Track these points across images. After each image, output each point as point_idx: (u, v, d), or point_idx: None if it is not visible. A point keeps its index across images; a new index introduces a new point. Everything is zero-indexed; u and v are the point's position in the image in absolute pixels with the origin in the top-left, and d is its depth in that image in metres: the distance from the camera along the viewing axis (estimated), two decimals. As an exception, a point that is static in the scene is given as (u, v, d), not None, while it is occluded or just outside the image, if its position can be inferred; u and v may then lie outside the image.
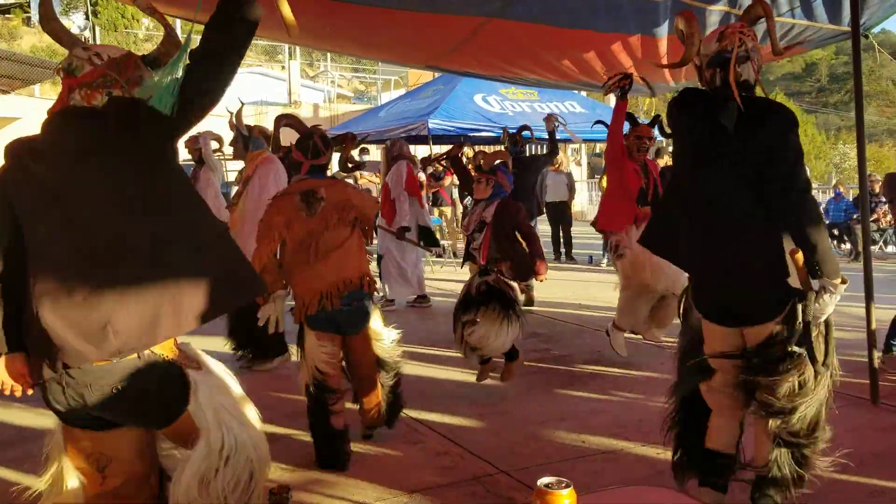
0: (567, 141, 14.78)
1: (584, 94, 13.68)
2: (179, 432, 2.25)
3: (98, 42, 21.59)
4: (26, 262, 2.10)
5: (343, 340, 3.86)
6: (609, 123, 5.95)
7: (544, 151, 8.50)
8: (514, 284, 4.82)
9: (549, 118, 7.97)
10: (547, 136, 8.15)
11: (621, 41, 6.15)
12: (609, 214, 5.91)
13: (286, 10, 2.36)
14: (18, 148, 2.15)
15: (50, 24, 2.23)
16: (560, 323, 7.37)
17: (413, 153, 17.95)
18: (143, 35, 29.57)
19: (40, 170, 2.10)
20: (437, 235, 13.93)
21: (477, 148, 9.73)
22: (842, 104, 51.53)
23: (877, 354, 4.79)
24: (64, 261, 2.05)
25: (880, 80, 52.94)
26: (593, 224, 6.13)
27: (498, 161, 5.01)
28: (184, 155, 6.54)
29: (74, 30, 22.82)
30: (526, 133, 8.14)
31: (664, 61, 6.58)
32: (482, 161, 5.10)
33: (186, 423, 2.23)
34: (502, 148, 8.63)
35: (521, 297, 5.08)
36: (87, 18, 22.18)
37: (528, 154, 8.87)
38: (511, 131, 8.36)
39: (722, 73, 2.77)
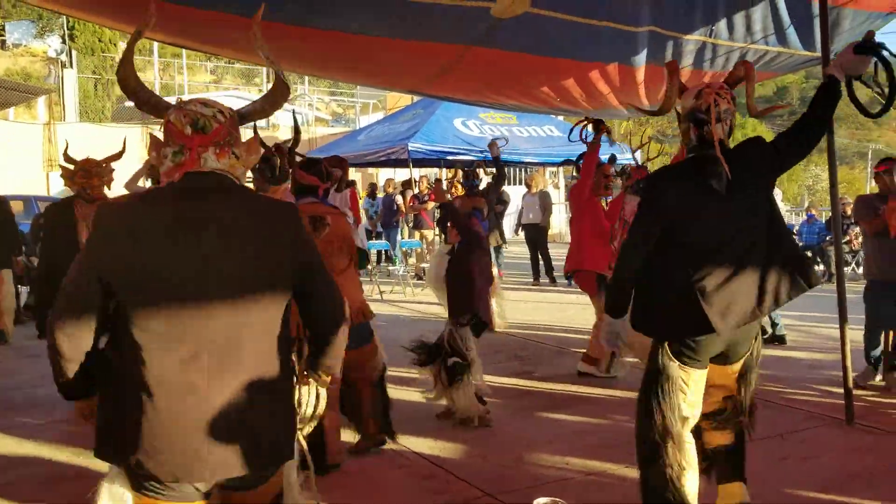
0: (532, 164, 14.93)
1: (561, 118, 13.86)
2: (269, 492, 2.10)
3: (75, 66, 21.49)
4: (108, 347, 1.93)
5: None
6: (578, 162, 6.14)
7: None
8: (470, 339, 4.89)
9: (493, 144, 8.04)
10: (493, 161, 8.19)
11: (599, 69, 6.29)
12: (594, 255, 5.90)
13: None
14: (124, 216, 1.93)
15: (137, 95, 2.05)
16: (541, 345, 7.42)
17: (393, 176, 18.11)
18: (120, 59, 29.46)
19: (165, 248, 1.88)
20: (414, 259, 14.04)
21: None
22: (813, 127, 52.33)
23: (878, 377, 4.90)
24: (176, 364, 1.86)
25: (850, 104, 53.84)
26: (570, 271, 6.11)
27: (473, 208, 5.14)
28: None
29: (51, 53, 22.73)
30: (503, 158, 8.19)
31: (641, 88, 6.75)
32: (458, 206, 5.23)
33: (278, 481, 2.11)
34: (458, 179, 8.77)
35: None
36: (64, 42, 22.09)
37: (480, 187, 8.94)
38: (478, 155, 8.42)
39: (696, 130, 2.95)
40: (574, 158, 6.66)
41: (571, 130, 6.46)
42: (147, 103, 2.07)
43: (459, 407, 4.79)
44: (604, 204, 6.49)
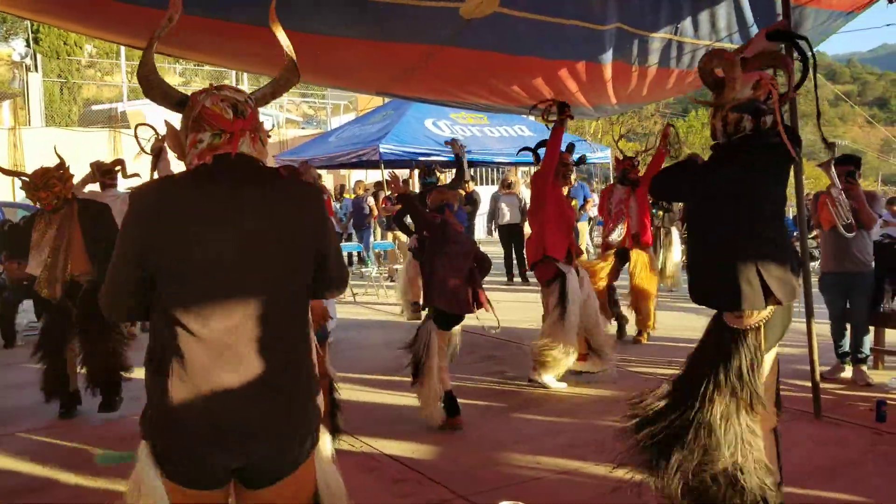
0: (503, 164, 14.99)
1: (532, 118, 13.89)
2: (302, 481, 2.07)
3: (40, 70, 21.14)
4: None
5: None
6: (537, 151, 6.09)
7: (499, 174, 8.62)
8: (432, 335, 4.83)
9: (454, 142, 8.01)
10: (454, 160, 8.13)
11: (567, 67, 6.30)
12: (555, 242, 5.77)
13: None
14: (160, 199, 1.94)
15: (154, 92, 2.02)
16: (514, 345, 7.42)
17: (363, 177, 18.05)
18: (86, 62, 29.08)
19: (204, 228, 1.90)
20: (386, 260, 14.01)
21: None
22: (781, 124, 53.19)
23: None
24: (212, 342, 1.88)
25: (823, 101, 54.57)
26: (536, 259, 5.93)
27: (443, 201, 5.06)
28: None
29: (15, 57, 22.35)
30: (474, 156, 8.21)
31: (609, 85, 6.76)
32: (429, 200, 5.16)
33: (310, 470, 2.10)
34: (413, 177, 8.81)
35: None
36: (28, 45, 21.72)
37: (440, 184, 8.92)
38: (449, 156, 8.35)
39: (752, 119, 2.97)
40: (533, 147, 6.62)
41: (534, 107, 6.32)
42: (158, 89, 2.04)
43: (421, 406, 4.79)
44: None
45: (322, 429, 2.14)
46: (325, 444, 2.18)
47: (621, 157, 7.91)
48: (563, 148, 6.09)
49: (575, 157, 6.41)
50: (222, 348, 1.88)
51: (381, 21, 4.91)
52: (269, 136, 2.14)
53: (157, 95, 2.03)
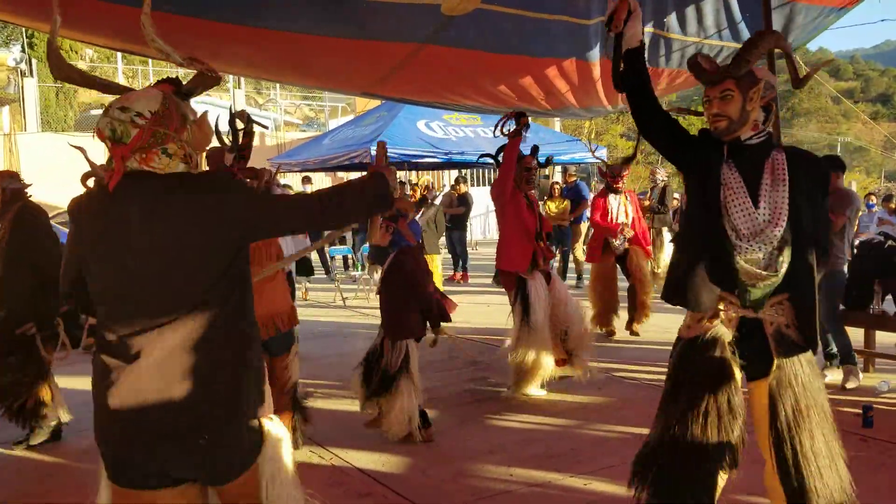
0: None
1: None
2: (243, 492, 2.03)
3: (35, 75, 21.08)
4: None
5: (269, 361, 3.96)
6: (497, 157, 5.97)
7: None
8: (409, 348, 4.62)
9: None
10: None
11: (556, 66, 6.17)
12: (512, 255, 5.65)
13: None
14: (81, 208, 2.05)
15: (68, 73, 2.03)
16: (500, 350, 7.26)
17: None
18: (87, 66, 29.04)
19: (102, 235, 1.96)
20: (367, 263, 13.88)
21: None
22: (784, 121, 53.18)
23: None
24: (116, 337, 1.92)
25: (819, 98, 54.68)
26: (499, 273, 5.82)
27: (397, 210, 4.69)
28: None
29: (10, 63, 22.30)
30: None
31: (598, 85, 6.62)
32: None
33: (252, 480, 2.02)
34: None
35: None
36: (24, 51, 21.67)
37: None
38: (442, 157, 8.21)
39: (775, 106, 2.66)
40: (513, 154, 6.47)
41: (496, 127, 6.17)
42: (94, 83, 2.09)
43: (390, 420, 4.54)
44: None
45: (275, 444, 2.06)
46: (283, 462, 2.07)
47: (604, 168, 8.30)
48: (527, 152, 5.95)
49: (542, 158, 6.23)
50: (132, 362, 1.88)
51: (361, 19, 4.80)
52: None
53: (101, 88, 2.11)
